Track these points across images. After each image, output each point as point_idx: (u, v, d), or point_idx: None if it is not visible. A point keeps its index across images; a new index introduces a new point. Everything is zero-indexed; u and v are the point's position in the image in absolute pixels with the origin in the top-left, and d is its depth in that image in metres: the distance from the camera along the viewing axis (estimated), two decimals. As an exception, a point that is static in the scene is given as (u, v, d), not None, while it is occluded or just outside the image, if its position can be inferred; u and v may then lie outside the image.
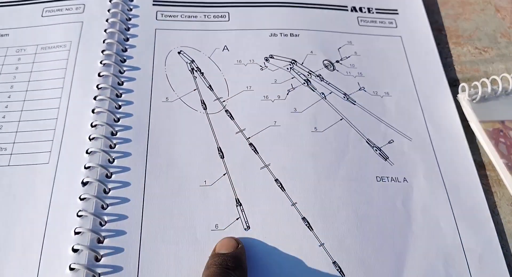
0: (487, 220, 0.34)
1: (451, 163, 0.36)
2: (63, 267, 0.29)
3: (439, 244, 0.32)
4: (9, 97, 0.37)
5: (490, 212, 0.34)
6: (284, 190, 0.33)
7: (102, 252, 0.30)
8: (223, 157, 0.35)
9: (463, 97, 0.39)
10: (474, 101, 0.38)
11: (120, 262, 0.30)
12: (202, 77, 0.39)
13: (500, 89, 0.38)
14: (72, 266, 0.29)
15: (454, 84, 0.41)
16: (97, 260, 0.30)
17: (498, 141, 0.37)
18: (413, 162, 0.36)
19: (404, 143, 0.37)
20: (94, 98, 0.36)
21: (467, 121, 0.38)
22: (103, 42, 0.39)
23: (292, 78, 0.39)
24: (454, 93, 0.40)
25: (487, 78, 0.38)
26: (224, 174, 0.34)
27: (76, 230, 0.30)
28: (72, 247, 0.30)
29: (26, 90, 0.37)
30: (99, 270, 0.29)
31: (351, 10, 0.44)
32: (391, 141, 0.37)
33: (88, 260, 0.29)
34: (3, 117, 0.36)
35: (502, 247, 0.33)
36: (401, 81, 0.40)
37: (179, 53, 0.40)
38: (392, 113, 0.38)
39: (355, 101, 0.38)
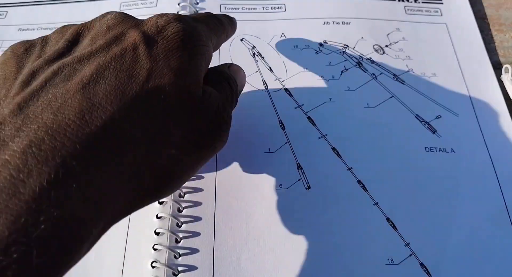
0: (530, 187, 0.37)
1: (496, 137, 0.39)
2: (151, 217, 0.34)
3: (484, 206, 0.35)
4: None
5: (533, 181, 0.37)
6: (340, 157, 0.37)
7: (183, 204, 0.35)
8: (284, 129, 0.39)
9: (506, 77, 0.42)
10: (517, 81, 0.41)
11: (199, 213, 0.34)
12: (263, 60, 0.43)
13: (542, 69, 0.41)
14: (159, 215, 0.34)
15: (497, 67, 0.44)
16: (179, 211, 0.34)
17: (540, 117, 0.39)
18: (460, 135, 0.39)
19: (451, 118, 0.40)
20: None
21: (511, 99, 0.41)
22: (176, 30, 0.44)
23: (345, 60, 0.43)
24: (498, 75, 0.43)
25: (530, 59, 0.41)
26: (285, 143, 0.38)
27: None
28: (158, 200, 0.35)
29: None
30: (182, 219, 0.34)
31: (398, 0, 0.48)
32: (439, 116, 0.40)
33: (172, 211, 0.34)
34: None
35: (545, 212, 0.36)
36: (447, 64, 0.43)
37: (241, 40, 0.45)
38: (439, 92, 0.42)
39: (404, 81, 0.42)
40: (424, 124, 0.39)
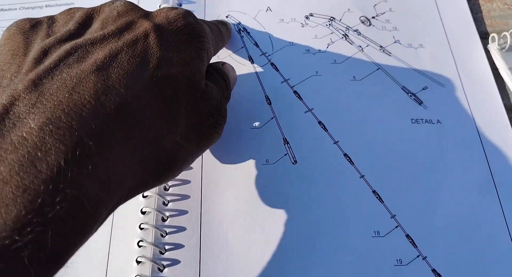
0: (516, 157, 0.37)
1: (482, 107, 0.39)
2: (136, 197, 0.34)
3: (471, 177, 0.35)
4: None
5: (519, 150, 0.37)
6: (327, 131, 0.37)
7: (170, 183, 0.35)
8: (270, 104, 0.38)
9: (493, 47, 0.41)
10: (503, 50, 0.41)
11: (185, 192, 0.34)
12: (248, 36, 0.43)
13: (529, 38, 0.41)
14: (145, 194, 0.34)
15: (484, 36, 0.44)
16: (166, 189, 0.34)
17: (527, 85, 0.39)
18: (446, 106, 0.39)
19: (437, 89, 0.40)
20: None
21: (497, 69, 0.41)
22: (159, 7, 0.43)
23: (331, 33, 0.42)
24: (485, 45, 0.42)
25: (517, 28, 0.41)
26: (272, 118, 0.38)
27: (146, 165, 0.35)
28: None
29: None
30: (168, 198, 0.34)
31: (385, -30, 0.47)
32: (425, 87, 0.40)
33: (158, 189, 0.34)
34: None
35: (531, 181, 0.36)
36: (434, 35, 0.43)
37: (226, 17, 0.44)
38: (425, 63, 0.41)
39: (390, 53, 0.41)
40: (411, 96, 0.39)
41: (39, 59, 0.22)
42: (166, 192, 0.34)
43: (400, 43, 0.42)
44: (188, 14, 0.27)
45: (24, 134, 0.18)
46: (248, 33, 0.43)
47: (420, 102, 0.39)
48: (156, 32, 0.25)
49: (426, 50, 0.42)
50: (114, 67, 0.22)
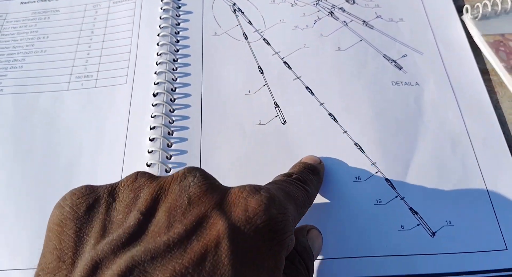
0: (490, 112, 0.40)
1: (458, 70, 0.42)
2: (143, 151, 0.38)
3: (446, 130, 0.39)
4: (91, 39, 0.47)
5: (493, 107, 0.40)
6: (314, 94, 0.41)
7: (172, 140, 0.39)
8: (263, 73, 0.43)
9: (467, 17, 0.45)
10: (476, 19, 0.44)
11: (185, 148, 0.38)
12: (243, 15, 0.47)
13: (499, 8, 0.44)
14: (150, 150, 0.38)
15: (461, 10, 0.47)
16: (169, 146, 0.38)
17: (499, 50, 0.43)
18: (424, 70, 0.42)
19: (416, 56, 0.43)
20: (158, 35, 0.45)
21: (472, 37, 0.44)
22: (162, -7, 0.48)
23: (318, 11, 0.47)
24: (461, 16, 0.46)
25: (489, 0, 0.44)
26: (264, 85, 0.42)
27: (151, 126, 0.39)
28: (149, 138, 0.39)
29: (104, 34, 0.47)
30: (170, 153, 0.38)
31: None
32: (405, 55, 0.43)
33: (162, 145, 0.38)
34: (88, 54, 0.46)
35: (503, 133, 0.39)
36: (414, 9, 0.47)
37: (223, -1, 0.49)
38: (405, 34, 0.45)
39: (373, 27, 0.45)
40: (391, 62, 0.43)
41: None
42: (169, 148, 0.38)
43: (382, 18, 0.46)
44: (271, 202, 0.23)
45: None
46: (243, 13, 0.47)
47: (400, 67, 0.43)
48: (230, 239, 0.21)
49: (406, 24, 0.46)
50: None
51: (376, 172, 0.36)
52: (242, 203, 0.22)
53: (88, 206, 0.22)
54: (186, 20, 0.47)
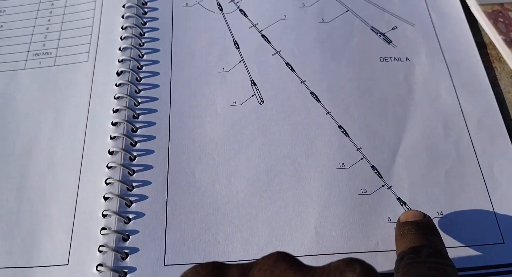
0: (486, 90, 0.36)
1: (453, 43, 0.39)
2: (105, 137, 0.34)
3: (439, 110, 0.35)
4: (50, 12, 0.42)
5: (490, 84, 0.37)
6: (294, 71, 0.37)
7: (137, 125, 0.35)
8: (239, 48, 0.39)
9: (464, -17, 0.41)
10: (474, -14, 0.40)
11: (153, 132, 0.35)
12: (217, -16, 0.42)
13: (500, -27, 0.40)
14: (112, 135, 0.34)
15: (458, -23, 0.43)
16: (133, 131, 0.35)
17: (497, 21, 0.39)
18: (416, 44, 0.39)
19: (407, 28, 0.39)
20: (123, 6, 0.41)
21: (468, 7, 0.40)
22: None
23: (301, -22, 0.42)
24: (457, -16, 0.42)
25: (488, -36, 0.40)
26: (240, 61, 0.38)
27: (114, 109, 0.35)
28: (112, 122, 0.35)
29: (65, 6, 0.42)
30: (135, 138, 0.34)
31: None
32: (395, 27, 0.39)
33: (126, 130, 0.34)
34: (47, 29, 0.41)
35: (501, 113, 0.36)
36: (405, -24, 0.42)
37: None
38: (395, 4, 0.41)
39: (360, -5, 0.41)
40: (380, 36, 0.39)
41: None
42: (134, 133, 0.35)
43: (370, -14, 0.42)
44: None
45: None
46: (218, -19, 0.43)
47: (389, 42, 0.39)
48: None
49: (397, -9, 0.42)
50: None
51: (361, 159, 0.33)
52: None
53: None
54: (155, -10, 0.42)
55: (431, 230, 0.27)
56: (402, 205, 0.31)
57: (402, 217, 0.28)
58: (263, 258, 0.19)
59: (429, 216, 0.28)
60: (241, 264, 0.19)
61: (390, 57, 0.38)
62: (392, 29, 0.39)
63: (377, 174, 0.33)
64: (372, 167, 0.33)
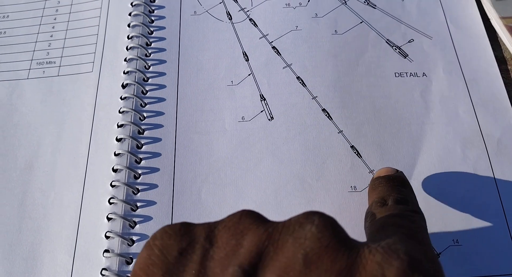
0: (506, 108, 0.35)
1: (472, 58, 0.37)
2: (109, 153, 0.33)
3: (457, 129, 0.34)
4: (55, 19, 0.41)
5: (510, 103, 0.35)
6: (305, 86, 0.36)
7: (143, 141, 0.34)
8: (248, 60, 0.37)
9: (484, -6, 0.39)
10: (495, -2, 0.38)
11: (158, 149, 0.34)
12: (227, -9, 0.41)
13: (523, -16, 0.38)
14: (117, 152, 0.33)
15: (477, -14, 0.41)
16: (139, 147, 0.34)
17: (520, 35, 0.37)
18: (433, 58, 0.37)
19: (424, 41, 0.38)
20: (129, 14, 0.39)
21: (489, 19, 0.39)
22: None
23: (313, -14, 0.41)
24: (477, -6, 0.40)
25: (510, -26, 0.38)
26: (249, 75, 0.36)
27: (119, 124, 0.34)
28: (116, 137, 0.34)
29: (70, 12, 0.41)
30: (140, 156, 0.33)
31: None
32: (411, 40, 0.38)
33: (130, 147, 0.33)
34: (51, 36, 0.40)
35: (521, 134, 0.34)
36: (423, -15, 0.41)
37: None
38: (412, 14, 0.39)
39: (375, 5, 0.40)
40: (395, 49, 0.37)
41: None
42: (139, 150, 0.33)
43: (386, -5, 0.40)
44: (416, 266, 0.17)
45: None
46: (227, -12, 0.41)
47: (405, 55, 0.37)
48: None
49: (414, 2, 0.40)
50: None
51: (374, 181, 0.32)
52: (377, 272, 0.16)
53: (181, 250, 0.18)
54: (162, -3, 0.41)
55: (402, 182, 0.27)
56: (416, 232, 0.30)
57: (376, 173, 0.29)
58: (229, 216, 0.20)
59: (401, 172, 0.28)
60: (208, 223, 0.20)
61: (406, 72, 0.36)
62: (409, 42, 0.38)
63: (391, 198, 0.31)
64: (386, 190, 0.31)
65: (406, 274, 0.16)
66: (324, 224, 0.18)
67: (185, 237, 0.19)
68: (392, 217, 0.24)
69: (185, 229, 0.19)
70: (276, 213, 0.31)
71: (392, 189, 0.26)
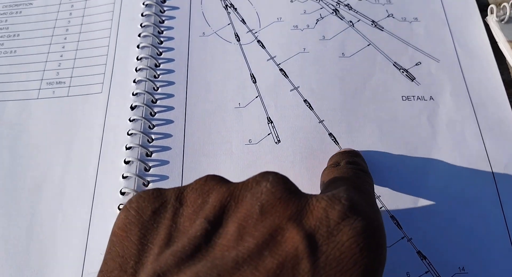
0: (514, 133, 0.35)
1: (479, 82, 0.37)
2: (117, 176, 0.34)
3: (463, 154, 0.34)
4: (65, 38, 0.42)
5: (517, 127, 0.35)
6: (312, 109, 0.36)
7: (150, 164, 0.34)
8: (255, 82, 0.37)
9: (491, 18, 0.39)
10: (502, 22, 0.38)
11: (166, 172, 0.34)
12: (235, 12, 0.41)
13: (531, 8, 0.38)
14: (125, 175, 0.33)
15: (484, 9, 0.41)
16: (146, 170, 0.34)
17: (528, 59, 0.37)
18: (440, 82, 0.37)
19: (432, 64, 0.38)
20: (139, 35, 0.40)
21: (497, 43, 0.39)
22: (145, -15, 0.42)
23: (321, 8, 0.41)
24: (484, 17, 0.40)
25: (518, -2, 0.38)
26: (256, 97, 0.37)
27: (127, 146, 0.35)
28: (125, 160, 0.34)
29: (80, 32, 0.42)
30: (148, 178, 0.33)
31: None
32: (419, 63, 0.38)
33: (138, 170, 0.34)
34: (61, 56, 0.41)
35: (528, 159, 0.34)
36: (430, 7, 0.41)
37: (214, -8, 0.43)
38: (420, 37, 0.39)
39: (383, 28, 0.40)
40: (403, 72, 0.37)
41: None
42: (147, 172, 0.34)
43: (393, 17, 0.40)
44: (356, 207, 0.19)
45: None
46: (235, 9, 0.41)
47: (412, 78, 0.37)
48: (310, 254, 0.18)
49: (421, 24, 0.40)
50: None
51: (381, 207, 0.32)
52: (321, 214, 0.19)
53: (154, 210, 0.21)
54: (171, 17, 0.41)
55: (355, 154, 0.31)
56: (422, 259, 0.30)
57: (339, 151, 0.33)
58: (196, 180, 0.22)
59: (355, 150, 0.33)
60: (178, 187, 0.22)
61: (413, 96, 0.36)
62: (416, 65, 0.38)
63: (397, 225, 0.31)
64: (392, 217, 0.32)
65: (346, 215, 0.19)
66: (277, 181, 0.20)
67: (157, 199, 0.21)
68: (341, 174, 0.27)
69: (157, 193, 0.22)
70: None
71: (346, 156, 0.30)
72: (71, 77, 0.39)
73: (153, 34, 0.39)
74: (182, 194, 0.22)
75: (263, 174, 0.21)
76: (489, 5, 0.41)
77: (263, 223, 0.19)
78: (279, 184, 0.20)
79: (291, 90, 0.37)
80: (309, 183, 0.33)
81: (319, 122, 0.35)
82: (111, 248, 0.20)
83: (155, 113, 0.36)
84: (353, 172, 0.27)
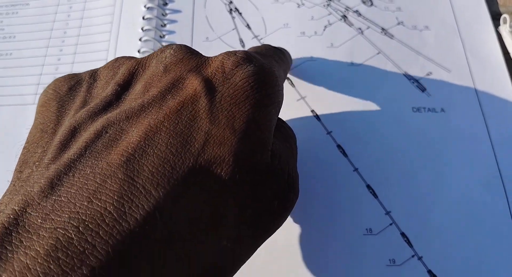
0: (527, 148, 0.34)
1: (491, 94, 0.36)
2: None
3: (475, 170, 0.33)
4: (63, 41, 0.40)
5: (530, 141, 0.34)
6: (320, 120, 0.35)
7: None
8: (261, 91, 0.36)
9: (504, 28, 0.38)
10: (516, 32, 0.37)
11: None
12: (240, 17, 0.40)
13: (545, 18, 0.37)
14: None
15: (496, 17, 0.40)
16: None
17: (542, 71, 0.36)
18: (451, 93, 0.36)
19: (443, 74, 0.37)
20: (140, 40, 0.38)
21: (509, 53, 0.38)
22: (146, -13, 0.41)
23: (329, 14, 0.40)
24: (497, 26, 0.39)
25: (532, 7, 0.37)
26: (262, 106, 0.35)
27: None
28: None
29: (79, 35, 0.40)
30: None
31: None
32: (429, 73, 0.37)
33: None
34: (58, 60, 0.39)
35: (542, 175, 0.33)
36: (441, 15, 0.40)
37: (218, -4, 0.41)
38: (431, 46, 0.38)
39: (393, 36, 0.38)
40: (413, 82, 0.36)
41: (65, 143, 0.19)
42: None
43: (403, 25, 0.39)
44: (249, 58, 0.21)
45: (28, 261, 0.14)
46: (240, 14, 0.40)
47: (423, 89, 0.36)
48: (208, 93, 0.20)
49: (432, 32, 0.39)
50: (148, 155, 0.17)
51: (391, 224, 0.31)
52: (218, 63, 0.21)
53: (70, 87, 0.23)
54: (173, 21, 0.40)
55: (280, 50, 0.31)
56: (433, 280, 0.29)
57: None
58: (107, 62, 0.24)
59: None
60: (92, 69, 0.24)
61: (424, 107, 0.35)
62: (427, 75, 0.37)
63: (407, 242, 0.30)
64: (402, 234, 0.30)
65: (239, 63, 0.21)
66: (179, 47, 0.22)
67: (73, 79, 0.23)
68: (255, 49, 0.28)
69: (73, 74, 0.24)
70: (286, 252, 0.30)
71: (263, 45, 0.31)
72: (69, 82, 0.38)
73: (154, 38, 0.38)
74: (95, 72, 0.23)
75: (168, 45, 0.23)
76: (500, 13, 0.40)
77: (166, 77, 0.21)
78: (181, 49, 0.22)
79: (297, 100, 0.36)
80: (313, 196, 0.32)
81: (327, 134, 0.34)
82: (34, 122, 0.22)
83: (156, 121, 0.35)
84: (265, 48, 0.28)
